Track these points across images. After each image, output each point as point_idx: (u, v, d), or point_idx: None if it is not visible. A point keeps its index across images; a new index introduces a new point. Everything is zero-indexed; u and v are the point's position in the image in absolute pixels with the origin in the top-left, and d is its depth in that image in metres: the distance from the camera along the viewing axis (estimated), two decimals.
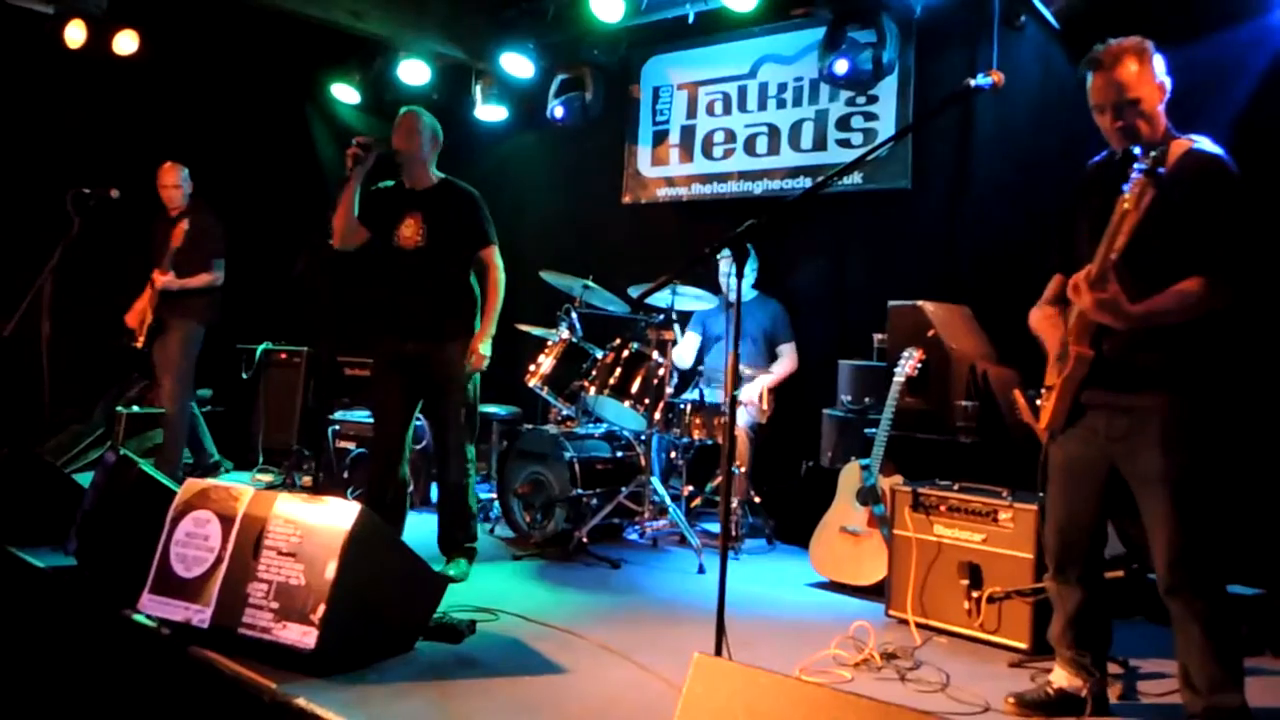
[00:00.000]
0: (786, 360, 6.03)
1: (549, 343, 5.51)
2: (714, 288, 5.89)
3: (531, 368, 5.40)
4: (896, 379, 4.58)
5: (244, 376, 7.51)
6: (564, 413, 5.79)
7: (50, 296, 5.57)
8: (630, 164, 7.37)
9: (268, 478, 6.91)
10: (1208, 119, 3.72)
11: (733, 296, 5.76)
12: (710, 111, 6.97)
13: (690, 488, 5.75)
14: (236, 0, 6.39)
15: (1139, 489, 2.87)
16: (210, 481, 3.52)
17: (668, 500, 5.29)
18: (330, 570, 3.10)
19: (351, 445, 6.26)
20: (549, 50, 7.20)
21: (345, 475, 6.16)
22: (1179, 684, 2.89)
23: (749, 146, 6.73)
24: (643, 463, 5.41)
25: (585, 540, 5.10)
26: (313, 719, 2.83)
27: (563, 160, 7.71)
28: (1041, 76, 5.38)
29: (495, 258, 4.69)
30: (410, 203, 4.62)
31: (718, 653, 2.77)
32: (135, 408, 6.61)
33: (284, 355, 7.50)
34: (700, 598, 4.43)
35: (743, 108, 6.79)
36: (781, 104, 6.60)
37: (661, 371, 5.27)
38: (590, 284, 5.63)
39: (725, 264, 5.87)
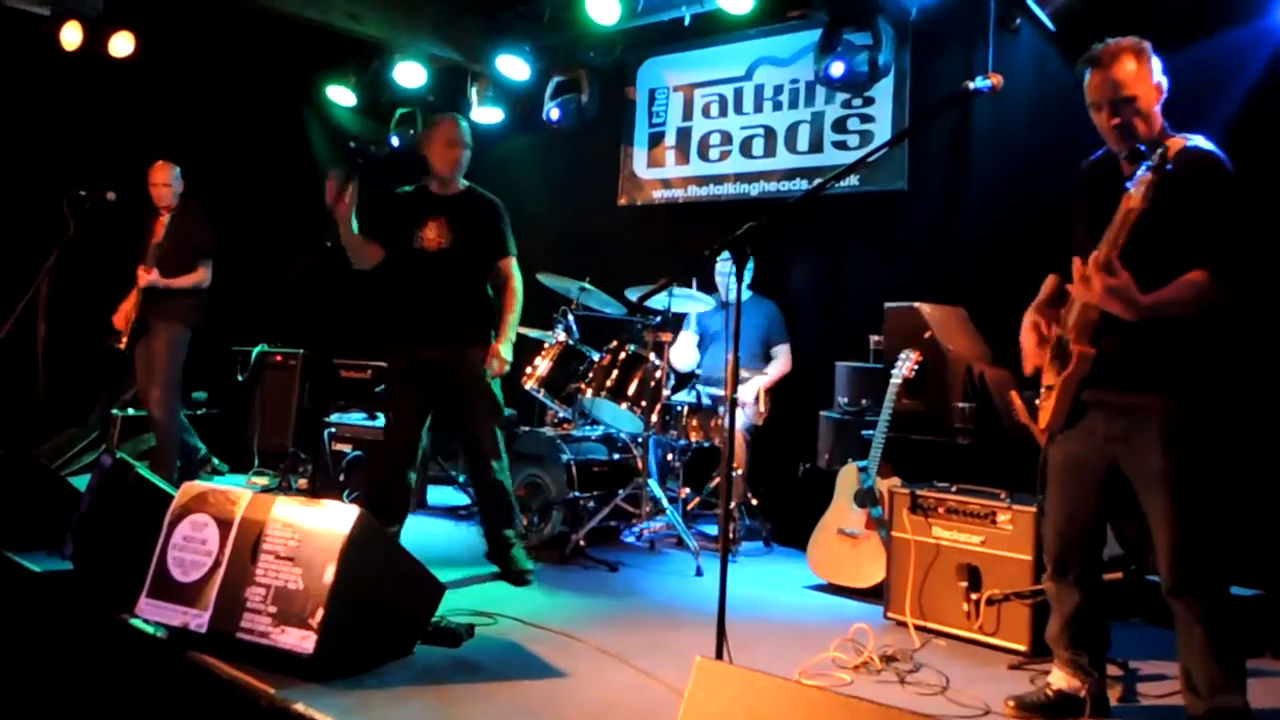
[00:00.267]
0: (781, 361, 6.04)
1: (545, 345, 5.50)
2: (709, 289, 5.89)
3: (528, 370, 5.39)
4: (893, 380, 4.58)
5: (239, 379, 7.50)
6: (561, 415, 5.79)
7: (46, 299, 5.55)
8: (626, 166, 7.38)
9: (263, 481, 6.88)
10: (1204, 121, 3.72)
11: (729, 297, 5.85)
12: (706, 113, 6.97)
13: (687, 490, 5.75)
14: (233, 2, 6.38)
15: (1141, 489, 2.87)
16: (208, 485, 3.50)
17: (665, 502, 5.28)
18: (329, 574, 3.09)
19: (348, 448, 6.24)
20: (545, 52, 7.20)
21: (341, 478, 6.14)
22: (1181, 686, 2.88)
23: (745, 148, 6.73)
24: (640, 465, 5.41)
25: (583, 543, 5.09)
26: None
27: (559, 162, 7.72)
28: (1037, 78, 5.40)
29: (514, 268, 4.70)
30: (435, 207, 4.60)
31: (718, 656, 2.77)
32: (130, 410, 6.60)
33: (279, 357, 7.49)
34: (698, 600, 4.43)
35: (739, 110, 6.80)
36: (778, 106, 6.61)
37: (658, 373, 5.27)
38: (587, 286, 5.63)
39: (723, 265, 5.87)
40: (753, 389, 5.74)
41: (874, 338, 5.37)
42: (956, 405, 4.73)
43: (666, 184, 7.15)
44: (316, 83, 8.06)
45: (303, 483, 6.64)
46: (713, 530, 5.83)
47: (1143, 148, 2.73)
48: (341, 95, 7.97)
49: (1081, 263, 2.76)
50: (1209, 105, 4.43)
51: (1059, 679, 3.16)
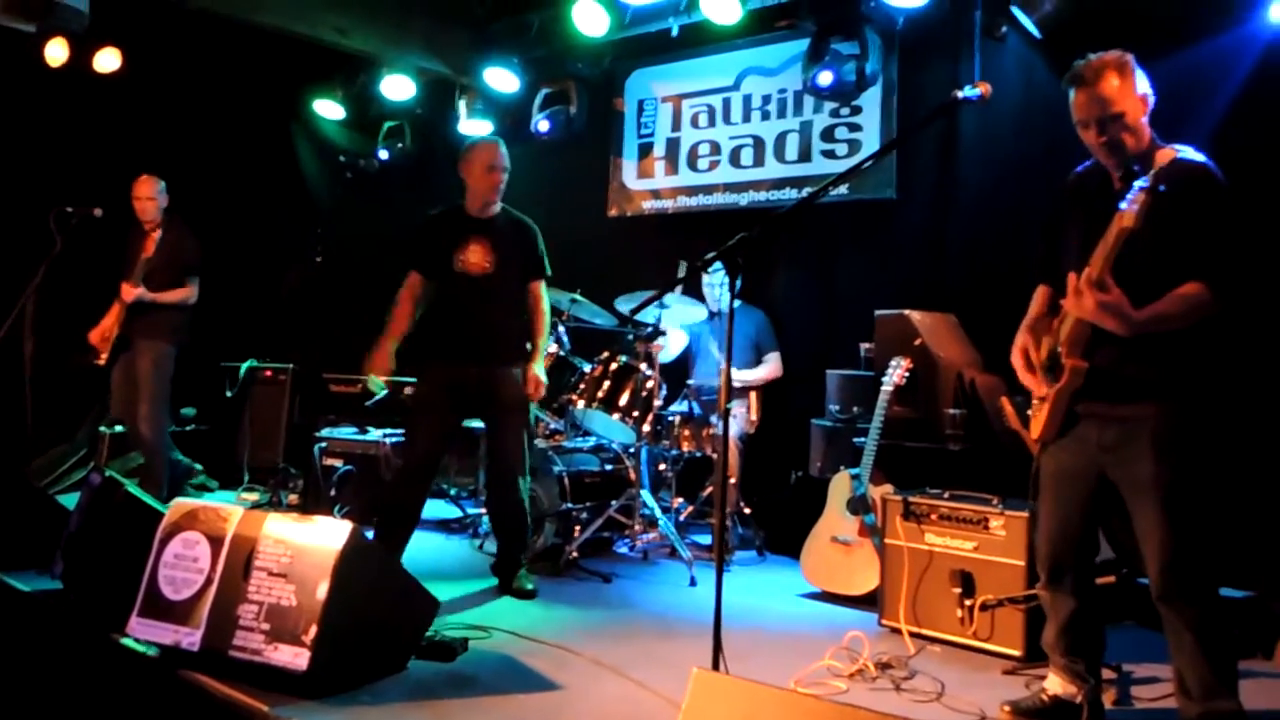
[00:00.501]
0: (771, 367, 6.04)
1: None
2: (699, 299, 5.89)
3: None
4: (885, 388, 4.59)
5: (228, 395, 7.47)
6: (552, 426, 5.78)
7: (33, 316, 5.52)
8: (615, 177, 7.38)
9: (253, 496, 6.85)
10: (1189, 128, 3.75)
11: (717, 306, 5.86)
12: (695, 124, 6.99)
13: (680, 500, 5.74)
14: (220, 17, 6.37)
15: (1130, 497, 2.88)
16: (198, 502, 3.48)
17: (658, 513, 5.28)
18: (322, 590, 3.08)
19: (339, 462, 6.21)
20: (533, 65, 7.21)
21: (332, 493, 6.11)
22: (1174, 690, 2.89)
23: (734, 158, 6.75)
24: (632, 476, 5.40)
25: (576, 555, 5.08)
26: None
27: (548, 174, 7.70)
28: (1024, 85, 5.43)
29: (544, 290, 4.76)
30: (475, 229, 4.61)
31: (715, 667, 2.77)
32: (118, 427, 6.56)
33: (269, 373, 7.46)
34: (693, 610, 4.42)
35: (727, 120, 6.81)
36: (766, 116, 6.63)
37: (650, 384, 5.26)
38: (578, 297, 5.63)
39: (712, 276, 5.87)
40: (738, 378, 5.75)
41: (865, 345, 5.38)
42: (947, 412, 4.74)
43: (656, 194, 7.16)
44: (304, 97, 8.06)
45: (293, 498, 6.61)
46: (706, 540, 5.83)
47: (1136, 167, 2.74)
48: (329, 109, 7.97)
49: (1075, 276, 2.77)
50: (1194, 112, 4.46)
51: (1055, 684, 3.16)
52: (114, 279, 5.90)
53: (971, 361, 5.00)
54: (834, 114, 6.29)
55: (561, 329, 5.59)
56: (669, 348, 5.92)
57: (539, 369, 4.61)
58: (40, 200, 5.79)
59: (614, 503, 5.30)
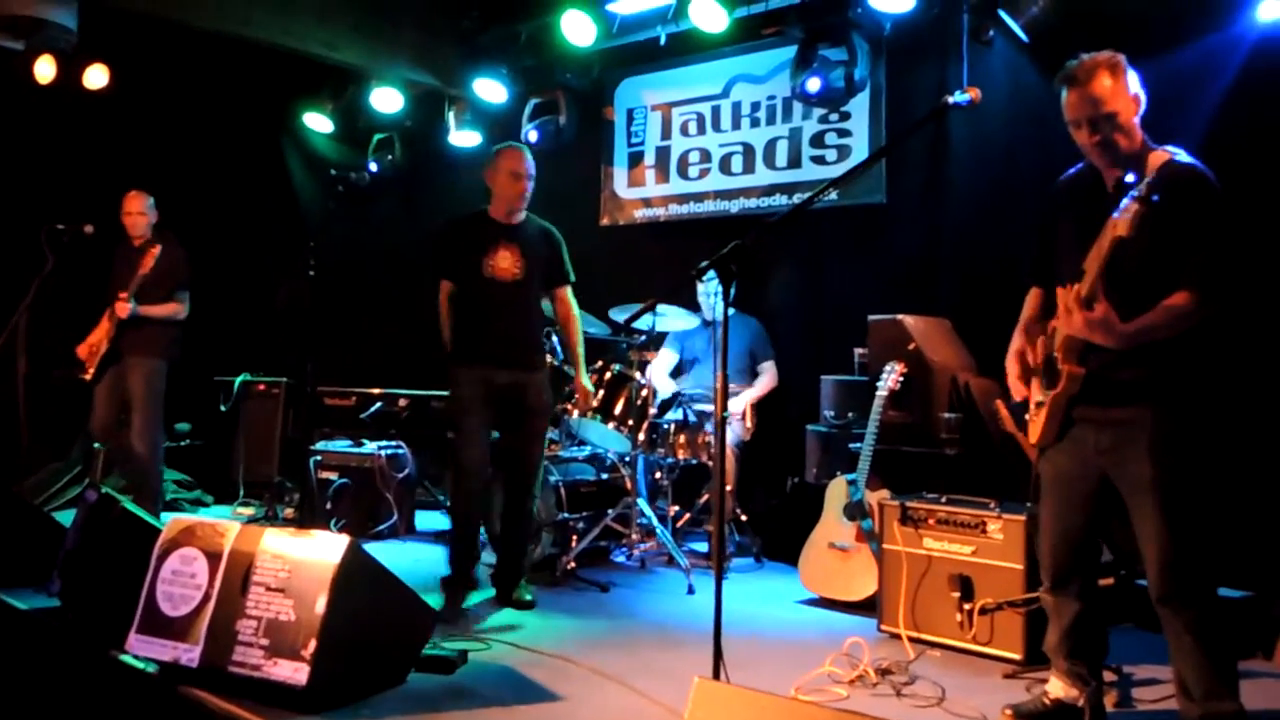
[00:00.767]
0: (767, 377, 6.05)
1: None
2: (693, 308, 5.90)
3: None
4: (879, 393, 4.60)
5: (222, 409, 7.45)
6: (547, 436, 5.77)
7: (26, 333, 5.50)
8: (606, 186, 7.39)
9: (249, 511, 6.84)
10: (1176, 131, 3.76)
11: (712, 315, 5.86)
12: (685, 132, 7.00)
13: (676, 508, 5.74)
14: (208, 33, 6.36)
15: (1129, 499, 2.88)
16: (195, 518, 3.47)
17: (655, 521, 5.27)
18: (320, 605, 3.07)
19: (334, 475, 6.20)
20: (522, 75, 7.23)
21: (328, 506, 6.10)
22: (1175, 692, 2.89)
23: (724, 166, 6.76)
24: (628, 484, 5.40)
25: (573, 565, 5.08)
26: None
27: (539, 184, 7.62)
28: (1012, 89, 5.44)
29: (572, 295, 4.81)
30: (503, 234, 4.62)
31: (716, 676, 2.76)
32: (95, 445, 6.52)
33: (262, 386, 7.45)
34: (692, 619, 4.42)
35: (717, 127, 6.83)
36: (755, 123, 6.64)
37: (644, 392, 5.27)
38: None
39: (706, 285, 5.88)
40: (740, 403, 5.76)
41: (858, 351, 5.38)
42: (943, 416, 4.75)
43: (647, 203, 7.17)
44: (293, 110, 8.07)
45: (289, 512, 6.60)
46: (703, 547, 5.83)
47: (1130, 177, 2.75)
48: (318, 122, 7.98)
49: (1066, 288, 2.78)
50: (1183, 114, 4.47)
51: (1057, 688, 3.16)
52: (102, 294, 5.87)
53: (965, 365, 5.01)
54: (823, 120, 6.31)
55: (555, 339, 5.59)
56: (657, 374, 5.91)
57: (586, 379, 4.72)
58: (30, 217, 5.79)
59: (610, 512, 5.31)
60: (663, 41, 6.43)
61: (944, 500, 4.10)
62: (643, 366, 5.36)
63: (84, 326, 5.93)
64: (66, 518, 4.37)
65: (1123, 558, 3.85)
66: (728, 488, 5.53)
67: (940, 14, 5.66)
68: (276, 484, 7.00)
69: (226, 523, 3.39)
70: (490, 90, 7.16)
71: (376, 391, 7.00)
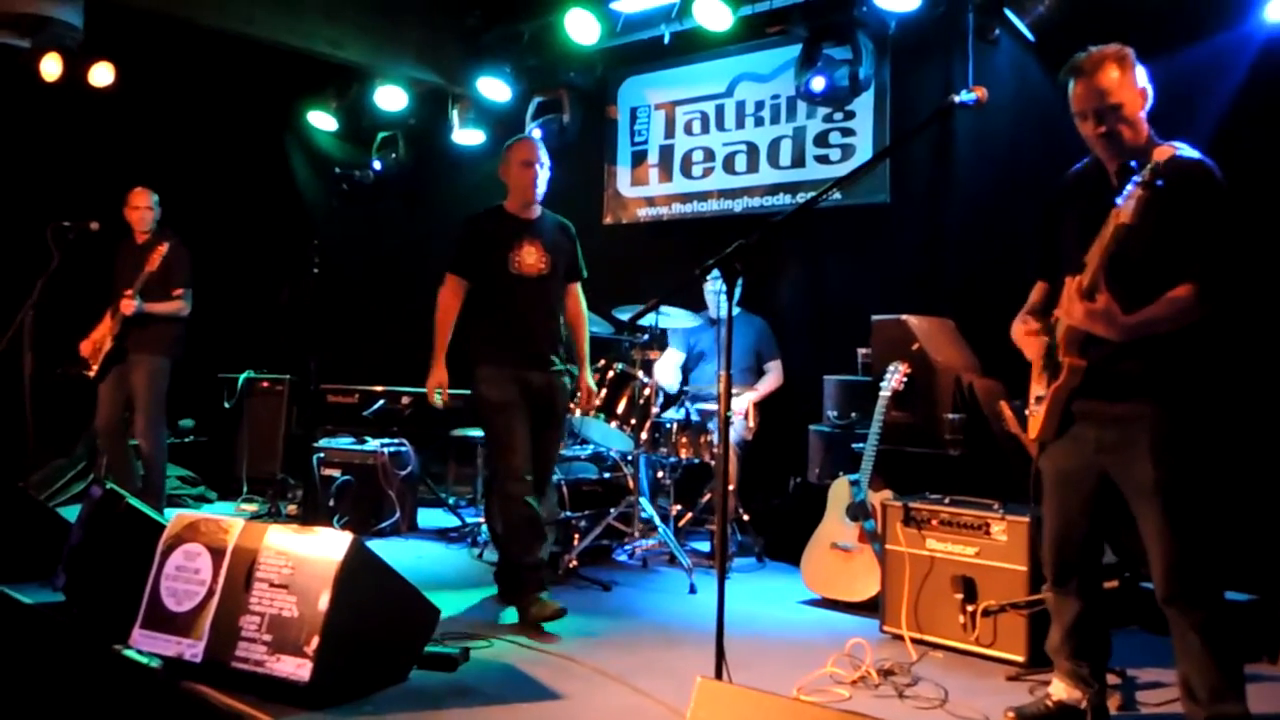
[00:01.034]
0: (773, 376, 6.05)
1: None
2: (698, 306, 5.89)
3: None
4: (883, 393, 4.59)
5: (226, 406, 7.47)
6: None
7: (32, 330, 5.51)
8: (610, 185, 7.39)
9: (252, 507, 6.86)
10: (1184, 129, 3.75)
11: (718, 314, 5.85)
12: (688, 131, 7.00)
13: (679, 507, 5.74)
14: (213, 31, 6.37)
15: (1133, 500, 2.87)
16: (199, 514, 3.49)
17: (657, 520, 5.27)
18: (323, 601, 3.08)
19: (337, 472, 6.20)
20: (525, 73, 7.23)
21: (331, 503, 6.11)
22: (1180, 694, 2.87)
23: (728, 165, 6.76)
24: (630, 483, 5.40)
25: (575, 563, 5.08)
26: None
27: None
28: (1017, 88, 5.43)
29: (582, 293, 4.77)
30: (525, 230, 4.52)
31: (718, 676, 2.76)
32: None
33: (266, 384, 7.46)
34: (694, 618, 4.42)
35: (720, 126, 6.83)
36: (759, 122, 6.64)
37: (647, 391, 5.27)
38: None
39: (713, 283, 5.87)
40: (743, 403, 5.76)
41: (862, 351, 5.37)
42: (946, 417, 4.74)
43: (651, 202, 7.17)
44: (297, 108, 8.08)
45: (292, 509, 6.60)
46: (705, 547, 5.83)
47: (1133, 164, 2.74)
48: (322, 120, 8.00)
49: (1072, 273, 2.77)
50: (1191, 113, 4.47)
51: (1059, 689, 3.15)
52: (106, 291, 5.88)
53: (969, 366, 5.00)
54: (827, 119, 6.30)
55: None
56: (665, 372, 5.90)
57: (589, 378, 4.65)
58: (36, 214, 5.79)
59: (613, 511, 5.30)
60: (666, 40, 6.43)
61: (947, 501, 4.09)
62: (645, 365, 5.35)
63: (89, 324, 5.94)
64: (71, 513, 4.39)
65: (1127, 559, 3.85)
66: (730, 487, 5.53)
67: (946, 12, 5.66)
68: (280, 481, 7.01)
69: (230, 519, 3.41)
70: (494, 89, 7.17)
71: (379, 389, 7.00)
